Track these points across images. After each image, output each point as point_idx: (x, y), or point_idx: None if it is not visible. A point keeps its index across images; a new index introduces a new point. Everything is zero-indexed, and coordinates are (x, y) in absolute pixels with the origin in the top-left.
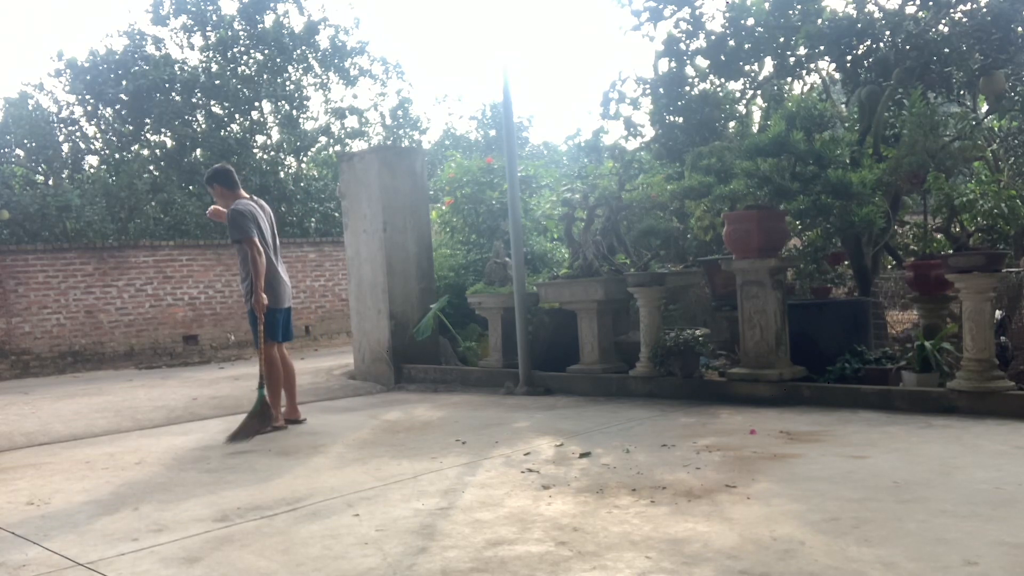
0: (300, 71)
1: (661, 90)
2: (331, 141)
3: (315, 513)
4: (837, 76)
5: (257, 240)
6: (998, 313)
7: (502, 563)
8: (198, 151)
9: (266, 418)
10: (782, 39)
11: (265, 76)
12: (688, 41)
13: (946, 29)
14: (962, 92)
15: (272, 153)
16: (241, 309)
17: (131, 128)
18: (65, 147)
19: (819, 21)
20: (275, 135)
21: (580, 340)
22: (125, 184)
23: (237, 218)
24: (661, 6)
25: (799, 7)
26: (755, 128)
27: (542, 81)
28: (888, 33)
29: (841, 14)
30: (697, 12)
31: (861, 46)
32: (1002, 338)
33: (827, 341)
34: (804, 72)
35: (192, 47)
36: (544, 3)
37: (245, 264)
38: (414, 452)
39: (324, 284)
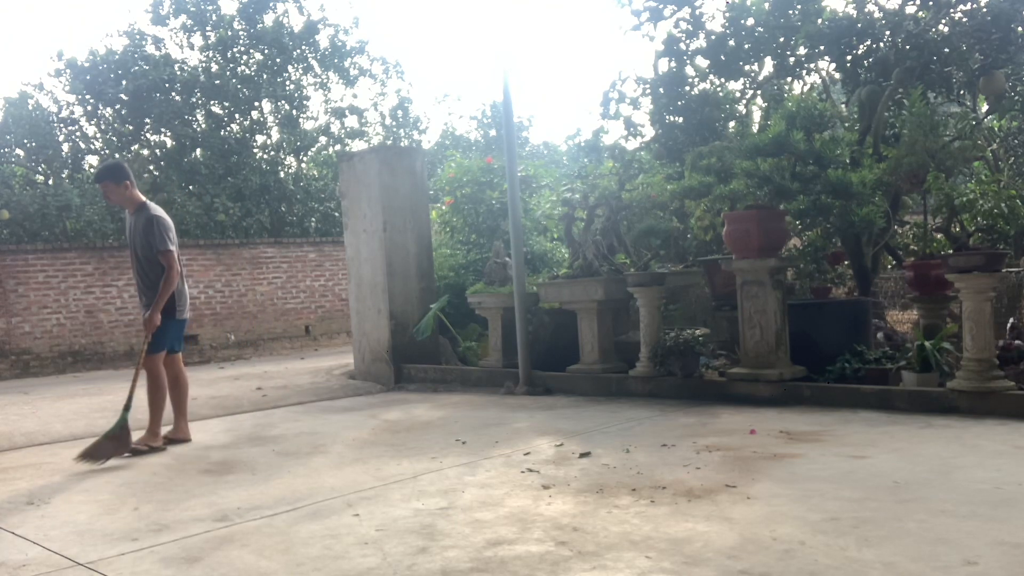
0: (300, 71)
1: (661, 90)
2: (331, 141)
3: (315, 513)
4: (837, 76)
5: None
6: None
7: (502, 563)
8: (198, 151)
9: (123, 443)
10: (782, 39)
11: (265, 76)
12: (688, 41)
13: (946, 29)
14: (962, 92)
15: (272, 153)
16: (241, 308)
17: (131, 128)
18: (65, 147)
19: (819, 21)
20: (275, 135)
21: (580, 340)
22: None
23: (163, 227)
24: (661, 6)
25: (799, 7)
26: (755, 128)
27: (542, 81)
28: (888, 33)
29: (841, 14)
30: (697, 12)
31: (861, 46)
32: (1017, 341)
33: (827, 341)
34: (804, 72)
35: (192, 47)
36: (544, 3)
37: (152, 272)
38: (414, 452)
39: (324, 284)
